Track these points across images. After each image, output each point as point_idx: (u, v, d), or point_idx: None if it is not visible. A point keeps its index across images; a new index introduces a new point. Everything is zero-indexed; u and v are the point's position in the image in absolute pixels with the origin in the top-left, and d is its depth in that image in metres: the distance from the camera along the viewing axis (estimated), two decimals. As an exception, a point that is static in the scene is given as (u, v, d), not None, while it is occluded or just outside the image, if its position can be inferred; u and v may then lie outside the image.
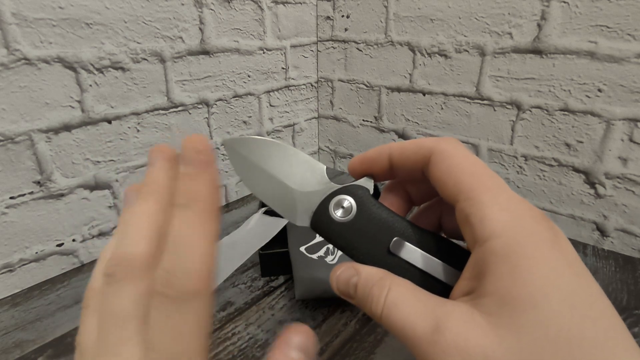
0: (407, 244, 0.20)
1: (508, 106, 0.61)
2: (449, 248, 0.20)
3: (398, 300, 0.17)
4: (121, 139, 0.55)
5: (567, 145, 0.57)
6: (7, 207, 0.46)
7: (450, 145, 0.19)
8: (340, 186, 0.22)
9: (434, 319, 0.16)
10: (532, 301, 0.14)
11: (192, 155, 0.18)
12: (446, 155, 0.19)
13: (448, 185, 0.18)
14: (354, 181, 0.22)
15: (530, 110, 0.59)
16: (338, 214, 0.21)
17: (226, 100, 0.67)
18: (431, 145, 0.19)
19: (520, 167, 0.63)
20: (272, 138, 0.26)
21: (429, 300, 0.17)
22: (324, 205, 0.22)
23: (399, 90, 0.73)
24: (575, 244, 0.60)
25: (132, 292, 0.15)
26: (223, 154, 0.70)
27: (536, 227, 0.16)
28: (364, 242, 0.21)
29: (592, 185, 0.57)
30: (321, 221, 0.22)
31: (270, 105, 0.76)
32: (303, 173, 0.23)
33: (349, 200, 0.21)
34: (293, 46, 0.76)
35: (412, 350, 0.16)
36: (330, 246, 0.49)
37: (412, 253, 0.19)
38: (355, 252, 0.21)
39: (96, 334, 0.15)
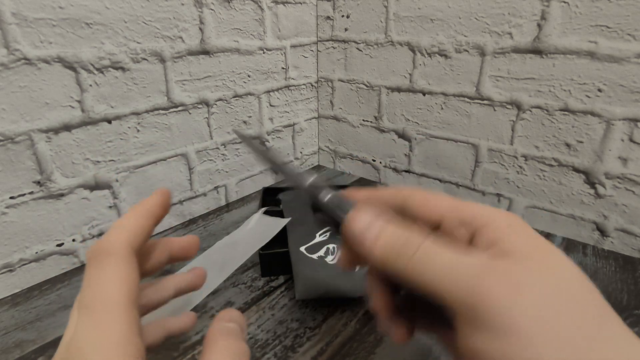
0: None
1: (508, 106, 0.61)
2: None
3: (434, 248, 0.18)
4: (121, 139, 0.55)
5: (567, 145, 0.57)
6: (7, 207, 0.46)
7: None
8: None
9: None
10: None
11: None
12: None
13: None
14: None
15: (530, 110, 0.59)
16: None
17: (226, 100, 0.67)
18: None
19: (520, 167, 0.63)
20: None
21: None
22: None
23: (399, 90, 0.73)
24: (575, 244, 0.60)
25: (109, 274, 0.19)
26: (223, 154, 0.70)
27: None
28: None
29: (592, 185, 0.57)
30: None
31: (270, 105, 0.76)
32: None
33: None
34: (293, 46, 0.76)
35: (450, 287, 0.17)
36: (331, 246, 0.49)
37: None
38: None
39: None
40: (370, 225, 0.20)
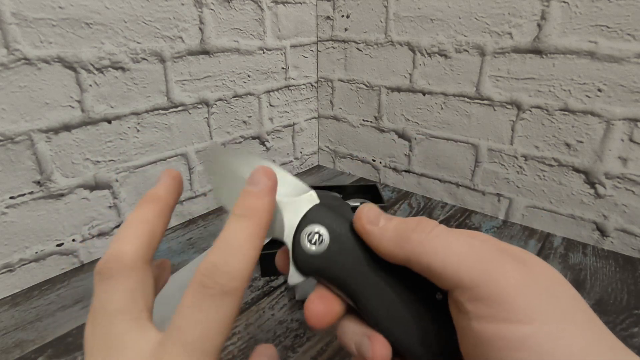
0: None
1: (508, 106, 0.61)
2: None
3: (451, 229, 0.19)
4: (121, 139, 0.55)
5: (567, 145, 0.57)
6: (7, 207, 0.46)
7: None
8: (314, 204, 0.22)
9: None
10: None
11: (261, 179, 0.20)
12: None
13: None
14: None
15: (530, 110, 0.59)
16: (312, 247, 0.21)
17: (226, 100, 0.67)
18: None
19: (520, 167, 0.63)
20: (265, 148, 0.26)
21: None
22: (297, 237, 0.21)
23: (399, 90, 0.73)
24: (575, 244, 0.60)
25: (121, 287, 0.17)
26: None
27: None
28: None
29: (592, 185, 0.57)
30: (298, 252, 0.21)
31: (270, 105, 0.76)
32: (284, 186, 0.22)
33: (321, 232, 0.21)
34: (293, 46, 0.76)
35: (452, 268, 0.17)
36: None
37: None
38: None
39: (92, 331, 0.16)
40: (382, 212, 0.21)
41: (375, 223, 0.20)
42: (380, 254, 0.20)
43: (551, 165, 0.60)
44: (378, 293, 0.20)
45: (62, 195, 0.51)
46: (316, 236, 0.21)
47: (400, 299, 0.20)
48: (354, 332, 0.21)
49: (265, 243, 0.21)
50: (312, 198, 0.22)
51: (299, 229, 0.21)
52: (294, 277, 0.21)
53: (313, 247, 0.20)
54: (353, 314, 0.21)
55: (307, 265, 0.21)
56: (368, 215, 0.20)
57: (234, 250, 0.17)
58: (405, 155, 0.77)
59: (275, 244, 0.51)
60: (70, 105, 0.49)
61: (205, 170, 0.24)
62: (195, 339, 0.16)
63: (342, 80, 0.81)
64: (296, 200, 0.22)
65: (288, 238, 0.21)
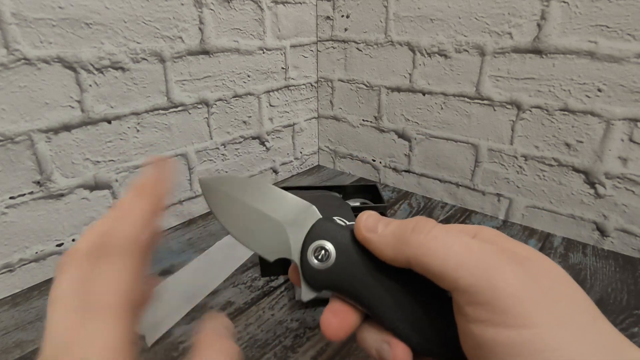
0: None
1: (508, 106, 0.61)
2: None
3: (449, 229, 0.19)
4: (121, 139, 0.55)
5: (567, 145, 0.57)
6: (7, 207, 0.46)
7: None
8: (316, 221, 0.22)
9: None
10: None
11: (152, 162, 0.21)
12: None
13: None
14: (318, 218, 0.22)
15: (530, 110, 0.59)
16: (316, 262, 0.21)
17: (226, 100, 0.67)
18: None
19: (520, 167, 0.63)
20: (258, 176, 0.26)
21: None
22: (304, 254, 0.21)
23: (398, 90, 0.73)
24: (575, 244, 0.60)
25: (70, 276, 0.17)
26: (223, 154, 0.70)
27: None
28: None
29: (592, 185, 0.57)
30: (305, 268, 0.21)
31: (270, 105, 0.76)
32: (285, 206, 0.23)
33: (327, 247, 0.21)
34: (293, 46, 0.76)
35: (453, 272, 0.17)
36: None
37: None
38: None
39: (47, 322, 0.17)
40: (381, 218, 0.21)
41: (374, 230, 0.20)
42: (383, 260, 0.20)
43: (551, 165, 0.60)
44: (390, 299, 0.20)
45: (62, 195, 0.51)
46: (322, 252, 0.21)
47: (412, 301, 0.20)
48: (374, 339, 0.21)
49: (272, 261, 0.22)
50: (313, 214, 0.22)
51: (304, 247, 0.21)
52: (307, 293, 0.21)
53: (321, 263, 0.21)
54: (371, 321, 0.21)
55: (318, 281, 0.21)
56: (366, 223, 0.21)
57: (122, 219, 0.19)
58: (405, 155, 0.77)
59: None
60: (70, 106, 0.49)
61: (206, 200, 0.23)
62: (97, 298, 0.17)
63: (342, 80, 0.81)
64: (298, 218, 0.22)
65: (295, 256, 0.22)
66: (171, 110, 0.60)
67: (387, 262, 0.20)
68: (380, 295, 0.20)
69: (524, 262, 0.17)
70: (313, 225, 0.22)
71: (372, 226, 0.20)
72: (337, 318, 0.21)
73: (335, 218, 0.55)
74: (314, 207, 0.23)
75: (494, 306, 0.15)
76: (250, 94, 0.71)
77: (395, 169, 0.80)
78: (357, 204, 0.66)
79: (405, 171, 0.78)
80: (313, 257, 0.21)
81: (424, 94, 0.70)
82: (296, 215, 0.22)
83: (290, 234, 0.22)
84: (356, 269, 0.20)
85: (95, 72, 0.50)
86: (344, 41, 0.77)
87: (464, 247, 0.17)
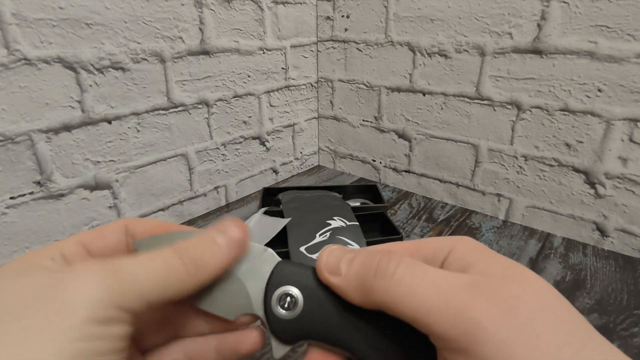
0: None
1: (508, 106, 0.61)
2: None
3: (415, 265, 0.17)
4: (121, 139, 0.55)
5: (567, 145, 0.57)
6: (7, 207, 0.46)
7: None
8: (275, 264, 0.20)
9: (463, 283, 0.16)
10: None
11: (231, 228, 0.19)
12: None
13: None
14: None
15: (530, 110, 0.59)
16: (283, 311, 0.19)
17: (226, 101, 0.67)
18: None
19: (520, 167, 0.63)
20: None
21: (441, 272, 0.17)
22: (267, 302, 0.19)
23: (399, 90, 0.73)
24: (575, 244, 0.60)
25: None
26: (223, 155, 0.70)
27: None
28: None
29: (592, 185, 0.57)
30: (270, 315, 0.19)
31: (270, 105, 0.76)
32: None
33: (292, 293, 0.19)
34: (293, 46, 0.76)
35: (425, 320, 0.16)
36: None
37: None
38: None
39: None
40: (343, 254, 0.19)
41: (337, 272, 0.18)
42: (352, 303, 0.18)
43: (551, 165, 0.60)
44: (370, 339, 0.18)
45: (62, 195, 0.51)
46: (288, 299, 0.19)
47: (394, 340, 0.18)
48: None
49: (233, 320, 0.20)
50: (270, 258, 0.20)
51: (267, 297, 0.19)
52: (279, 349, 0.19)
53: (288, 312, 0.19)
54: None
55: (289, 333, 0.19)
56: (328, 263, 0.19)
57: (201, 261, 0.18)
58: (405, 155, 0.77)
59: (275, 243, 0.51)
60: (70, 106, 0.49)
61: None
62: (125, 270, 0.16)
63: (342, 81, 0.81)
64: (255, 264, 0.20)
65: (259, 310, 0.19)
66: (171, 110, 0.60)
67: (357, 305, 0.18)
68: (359, 336, 0.18)
69: (499, 291, 0.15)
70: (273, 271, 0.19)
71: (334, 267, 0.19)
72: None
73: (335, 218, 0.55)
74: (270, 249, 0.20)
75: (471, 354, 0.14)
76: (251, 94, 0.71)
77: (395, 169, 0.80)
78: (357, 204, 0.66)
79: (406, 171, 0.78)
80: (278, 307, 0.19)
81: (424, 94, 0.70)
82: (251, 262, 0.20)
83: (248, 285, 0.19)
84: (329, 312, 0.18)
85: (96, 72, 0.50)
86: (344, 41, 0.77)
87: (432, 289, 0.16)
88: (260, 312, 0.19)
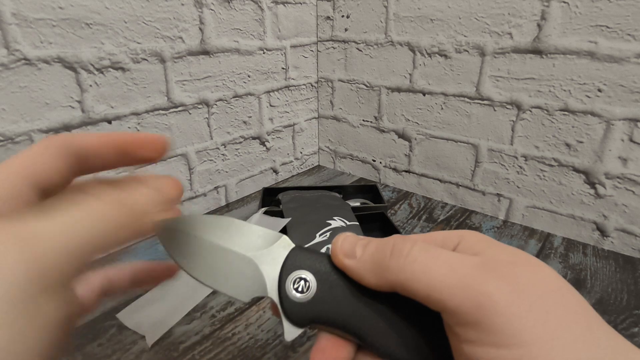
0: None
1: (508, 106, 0.61)
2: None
3: (429, 247, 0.17)
4: (121, 139, 0.55)
5: (567, 145, 0.57)
6: (7, 207, 0.46)
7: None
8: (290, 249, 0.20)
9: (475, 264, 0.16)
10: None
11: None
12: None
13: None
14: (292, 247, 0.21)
15: (530, 110, 0.59)
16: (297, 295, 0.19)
17: (226, 101, 0.67)
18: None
19: (520, 167, 0.63)
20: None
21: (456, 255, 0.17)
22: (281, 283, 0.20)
23: (399, 90, 0.73)
24: (575, 244, 0.60)
25: None
26: (223, 155, 0.70)
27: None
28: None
29: (592, 185, 0.57)
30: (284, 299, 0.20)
31: (270, 105, 0.76)
32: (253, 239, 0.21)
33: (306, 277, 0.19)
34: (293, 46, 0.76)
35: (439, 297, 0.16)
36: (331, 246, 0.49)
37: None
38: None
39: None
40: (357, 240, 0.20)
41: (352, 255, 0.19)
42: (366, 286, 0.19)
43: (551, 166, 0.60)
44: (381, 324, 0.19)
45: (62, 195, 0.51)
46: (302, 282, 0.19)
47: (405, 323, 0.19)
48: None
49: (246, 302, 0.21)
50: (285, 243, 0.21)
51: (281, 280, 0.20)
52: (291, 332, 0.19)
53: (301, 295, 0.19)
54: (364, 351, 0.20)
55: (301, 316, 0.19)
56: (343, 247, 0.19)
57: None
58: (406, 155, 0.77)
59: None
60: (70, 106, 0.49)
61: (163, 245, 0.20)
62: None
63: (342, 81, 0.81)
64: (270, 250, 0.20)
65: (273, 293, 0.20)
66: (171, 110, 0.60)
67: (371, 288, 0.19)
68: (370, 322, 0.19)
69: (509, 272, 0.16)
70: (287, 256, 0.20)
71: (349, 251, 0.19)
72: (327, 355, 0.19)
73: (335, 218, 0.55)
74: (284, 236, 0.21)
75: (483, 326, 0.15)
76: (251, 94, 0.71)
77: (395, 169, 0.80)
78: (357, 204, 0.66)
79: (406, 171, 0.78)
80: (292, 290, 0.19)
81: (424, 94, 0.70)
82: (267, 247, 0.20)
83: (263, 269, 0.20)
84: (340, 297, 0.19)
85: (96, 72, 0.50)
86: (344, 41, 0.77)
87: (446, 267, 0.16)
88: (274, 295, 0.20)
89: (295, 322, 0.19)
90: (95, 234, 0.15)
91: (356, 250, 0.19)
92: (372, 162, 0.83)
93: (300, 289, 0.19)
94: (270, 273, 0.20)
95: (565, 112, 0.56)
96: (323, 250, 0.49)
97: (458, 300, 0.16)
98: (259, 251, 0.20)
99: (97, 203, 0.16)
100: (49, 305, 0.13)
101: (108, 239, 0.15)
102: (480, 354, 0.15)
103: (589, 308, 0.16)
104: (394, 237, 0.19)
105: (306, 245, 0.50)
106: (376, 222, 0.61)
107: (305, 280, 0.19)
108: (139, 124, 0.56)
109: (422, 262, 0.17)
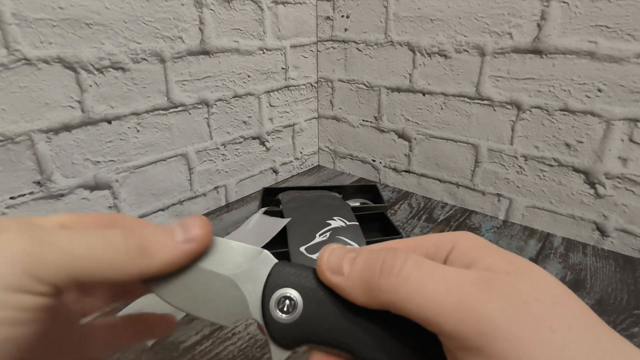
0: None
1: (508, 106, 0.61)
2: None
3: (422, 262, 0.16)
4: (121, 139, 0.55)
5: (567, 145, 0.57)
6: (7, 208, 0.46)
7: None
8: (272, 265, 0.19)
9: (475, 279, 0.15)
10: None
11: (193, 227, 0.18)
12: None
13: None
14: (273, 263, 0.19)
15: (530, 110, 0.59)
16: (282, 315, 0.18)
17: (226, 101, 0.67)
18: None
19: (520, 167, 0.63)
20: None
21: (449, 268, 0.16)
22: (265, 303, 0.18)
23: (399, 90, 0.73)
24: (575, 244, 0.60)
25: None
26: (223, 155, 0.70)
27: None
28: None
29: (592, 185, 0.57)
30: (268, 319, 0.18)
31: (270, 106, 0.76)
32: (232, 257, 0.19)
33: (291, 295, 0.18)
34: (293, 46, 0.76)
35: (434, 317, 0.15)
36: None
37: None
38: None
39: None
40: (345, 253, 0.18)
41: (339, 271, 0.18)
42: (356, 304, 0.17)
43: (551, 165, 0.60)
44: (374, 340, 0.17)
45: (62, 195, 0.51)
46: (287, 302, 0.18)
47: (398, 341, 0.17)
48: None
49: (230, 326, 0.20)
50: (268, 259, 0.19)
51: (265, 300, 0.18)
52: (279, 355, 0.18)
53: (287, 316, 0.18)
54: None
55: (288, 338, 0.18)
56: (329, 263, 0.18)
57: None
58: (405, 155, 0.77)
59: (275, 243, 0.51)
60: (70, 106, 0.49)
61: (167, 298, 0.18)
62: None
63: (342, 81, 0.81)
64: (251, 267, 0.19)
65: (256, 314, 0.18)
66: (171, 110, 0.60)
67: (361, 306, 0.17)
68: (362, 339, 0.17)
69: (510, 288, 0.15)
70: (270, 273, 0.19)
71: (336, 267, 0.18)
72: None
73: (335, 218, 0.55)
74: (265, 251, 0.19)
75: (486, 352, 0.14)
76: (251, 94, 0.71)
77: (395, 169, 0.80)
78: (357, 204, 0.66)
79: (405, 171, 0.78)
80: (277, 311, 0.18)
81: (424, 94, 0.70)
82: (247, 265, 0.19)
83: (244, 289, 0.18)
84: (329, 315, 0.18)
85: (96, 72, 0.50)
86: (344, 41, 0.77)
87: (442, 286, 0.15)
88: (258, 316, 0.18)
89: (283, 345, 0.18)
90: (99, 258, 0.16)
91: (343, 266, 0.18)
92: (372, 162, 0.83)
93: (285, 309, 0.18)
94: (253, 293, 0.18)
95: (565, 112, 0.56)
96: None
97: (457, 324, 0.14)
98: (239, 269, 0.19)
99: (115, 234, 0.16)
100: (32, 300, 0.14)
101: (112, 268, 0.16)
102: None
103: (592, 315, 0.15)
104: (384, 251, 0.17)
105: (306, 246, 0.50)
106: (376, 222, 0.61)
107: (290, 299, 0.18)
108: (139, 124, 0.56)
109: (416, 280, 0.16)
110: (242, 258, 0.19)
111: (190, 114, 0.62)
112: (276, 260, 0.19)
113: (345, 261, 0.18)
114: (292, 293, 0.18)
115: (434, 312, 0.15)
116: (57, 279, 0.15)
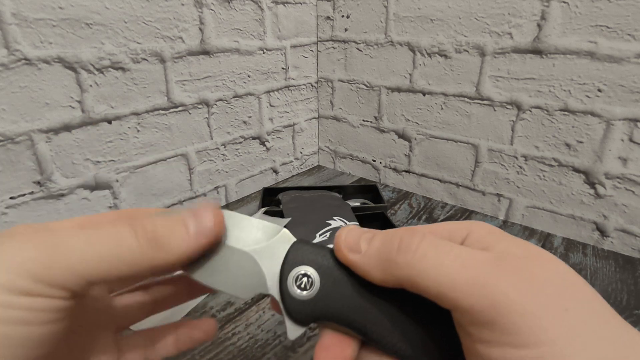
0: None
1: (508, 106, 0.61)
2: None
3: (438, 241, 0.17)
4: (121, 139, 0.55)
5: (567, 145, 0.57)
6: (7, 207, 0.46)
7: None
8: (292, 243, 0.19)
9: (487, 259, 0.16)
10: None
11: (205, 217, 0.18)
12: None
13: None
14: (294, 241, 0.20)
15: (530, 110, 0.59)
16: (299, 292, 0.18)
17: (226, 101, 0.67)
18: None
19: (520, 167, 0.63)
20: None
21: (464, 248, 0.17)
22: (283, 279, 0.19)
23: (399, 90, 0.73)
24: (575, 244, 0.60)
25: None
26: (223, 155, 0.70)
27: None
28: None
29: (592, 185, 0.57)
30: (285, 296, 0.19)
31: (270, 105, 0.76)
32: (252, 233, 0.20)
33: (309, 273, 0.19)
34: (293, 46, 0.76)
35: (447, 294, 0.15)
36: (331, 246, 0.49)
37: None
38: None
39: None
40: (362, 233, 0.19)
41: (357, 249, 0.18)
42: (372, 282, 0.18)
43: (551, 166, 0.60)
44: (387, 320, 0.18)
45: (62, 195, 0.51)
46: (304, 279, 0.18)
47: (412, 320, 0.18)
48: None
49: (245, 300, 0.20)
50: (286, 237, 0.20)
51: (283, 277, 0.19)
52: (293, 330, 0.19)
53: (304, 292, 0.18)
54: (369, 347, 0.19)
55: (304, 314, 0.18)
56: (347, 242, 0.19)
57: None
58: (405, 155, 0.77)
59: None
60: (70, 106, 0.49)
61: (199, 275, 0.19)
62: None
63: (342, 81, 0.81)
64: (270, 244, 0.19)
65: (273, 289, 0.19)
66: (171, 110, 0.60)
67: (377, 284, 0.18)
68: (375, 318, 0.18)
69: (524, 268, 0.15)
70: (289, 251, 0.19)
71: (353, 245, 0.18)
72: (332, 353, 0.18)
73: (335, 218, 0.55)
74: (285, 229, 0.20)
75: (499, 326, 0.14)
76: (251, 94, 0.71)
77: (395, 169, 0.80)
78: (357, 204, 0.66)
79: (406, 171, 0.78)
80: (295, 287, 0.18)
81: (424, 94, 0.70)
82: (267, 242, 0.19)
83: (263, 265, 0.19)
84: (345, 293, 0.18)
85: (96, 72, 0.50)
86: (344, 41, 0.77)
87: (457, 263, 0.16)
88: (275, 292, 0.19)
89: (298, 321, 0.19)
90: (110, 256, 0.16)
91: (361, 244, 0.18)
92: (372, 162, 0.83)
93: (303, 286, 0.18)
94: (271, 269, 0.19)
95: (565, 112, 0.56)
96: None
97: (472, 298, 0.15)
98: (258, 245, 0.19)
99: (125, 230, 0.16)
100: (45, 303, 0.15)
101: (125, 265, 0.16)
102: (496, 355, 0.14)
103: (603, 302, 0.15)
104: (402, 230, 0.18)
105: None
106: (376, 222, 0.61)
107: (308, 277, 0.18)
108: (139, 123, 0.56)
109: (432, 257, 0.16)
110: (262, 234, 0.20)
111: (190, 114, 0.62)
112: (295, 239, 0.20)
113: (363, 240, 0.18)
114: (310, 271, 0.19)
115: (449, 288, 0.15)
116: (69, 282, 0.15)
